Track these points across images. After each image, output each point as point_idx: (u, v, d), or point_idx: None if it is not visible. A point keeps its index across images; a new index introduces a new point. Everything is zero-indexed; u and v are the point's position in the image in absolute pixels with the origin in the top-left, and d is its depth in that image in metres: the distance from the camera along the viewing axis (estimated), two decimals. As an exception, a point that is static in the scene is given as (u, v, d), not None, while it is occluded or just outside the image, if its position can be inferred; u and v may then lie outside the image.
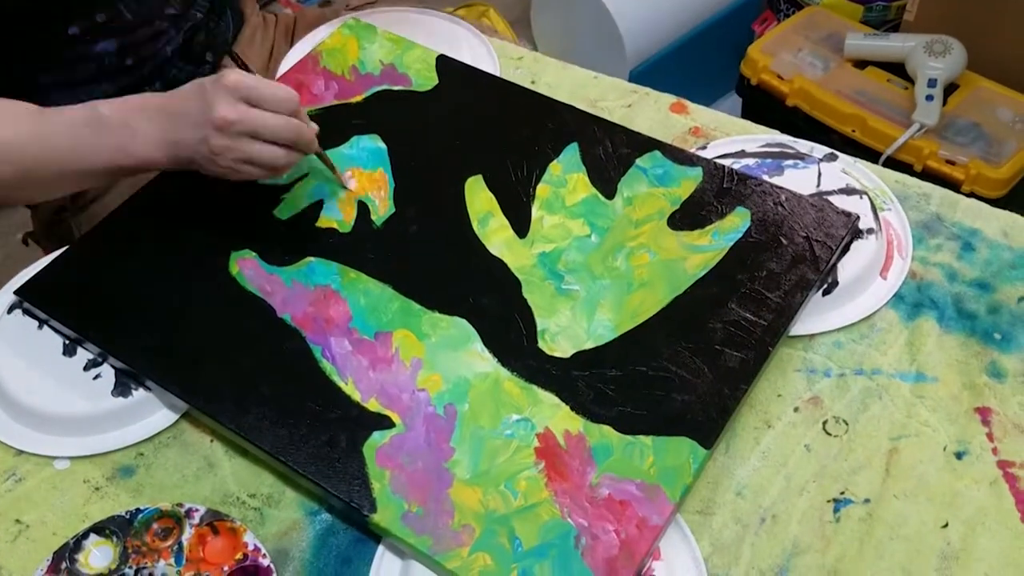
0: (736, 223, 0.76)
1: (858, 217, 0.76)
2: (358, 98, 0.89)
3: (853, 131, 1.37)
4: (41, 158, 0.73)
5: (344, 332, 0.72)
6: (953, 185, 1.26)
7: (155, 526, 0.64)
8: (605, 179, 0.80)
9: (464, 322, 0.72)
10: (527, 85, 0.91)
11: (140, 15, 0.90)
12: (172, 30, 0.94)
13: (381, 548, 0.64)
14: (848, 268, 0.75)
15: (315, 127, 0.76)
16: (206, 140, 0.71)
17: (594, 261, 0.75)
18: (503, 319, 0.72)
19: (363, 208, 0.80)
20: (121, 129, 0.73)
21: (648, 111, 0.92)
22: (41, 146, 0.73)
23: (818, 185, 0.80)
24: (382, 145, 0.84)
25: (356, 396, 0.68)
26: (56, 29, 0.85)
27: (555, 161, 0.82)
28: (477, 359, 0.70)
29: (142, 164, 0.75)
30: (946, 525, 0.64)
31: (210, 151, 0.72)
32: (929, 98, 1.32)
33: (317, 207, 0.80)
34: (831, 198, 0.79)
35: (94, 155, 0.74)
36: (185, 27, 0.95)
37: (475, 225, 0.78)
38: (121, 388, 0.71)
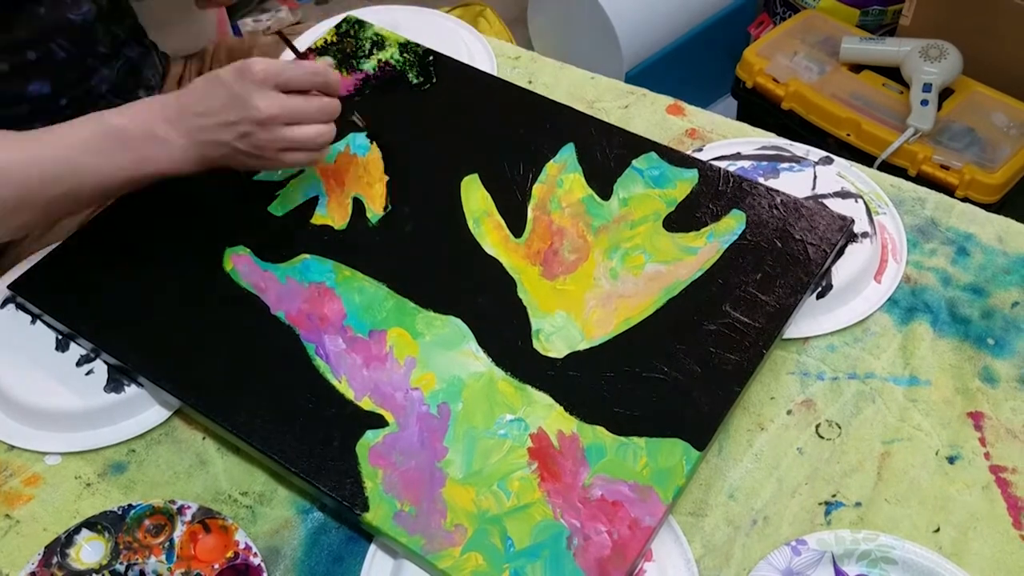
0: (731, 225, 0.76)
1: (853, 221, 0.76)
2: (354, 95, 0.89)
3: (848, 135, 1.37)
4: (47, 178, 0.69)
5: (338, 330, 0.72)
6: (947, 190, 1.26)
7: (147, 523, 0.64)
8: (601, 180, 0.80)
9: (458, 321, 0.72)
10: (524, 85, 0.91)
11: (72, 54, 0.87)
12: (104, 68, 0.91)
13: (373, 547, 0.64)
14: (842, 272, 0.75)
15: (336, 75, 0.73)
16: (247, 136, 0.69)
17: (589, 262, 0.75)
18: (498, 319, 0.72)
19: (358, 206, 0.80)
20: (145, 140, 0.69)
21: (645, 113, 0.92)
22: (43, 168, 0.69)
23: (813, 188, 0.81)
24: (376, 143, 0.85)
25: (350, 394, 0.68)
26: None
27: (551, 161, 0.82)
28: (471, 359, 0.70)
29: (166, 172, 0.71)
30: (938, 530, 0.64)
31: (253, 147, 0.69)
32: (924, 103, 1.32)
33: (312, 204, 0.80)
34: (826, 201, 0.79)
35: (114, 170, 0.70)
36: (116, 65, 0.92)
37: (470, 224, 0.78)
38: (113, 384, 0.71)
